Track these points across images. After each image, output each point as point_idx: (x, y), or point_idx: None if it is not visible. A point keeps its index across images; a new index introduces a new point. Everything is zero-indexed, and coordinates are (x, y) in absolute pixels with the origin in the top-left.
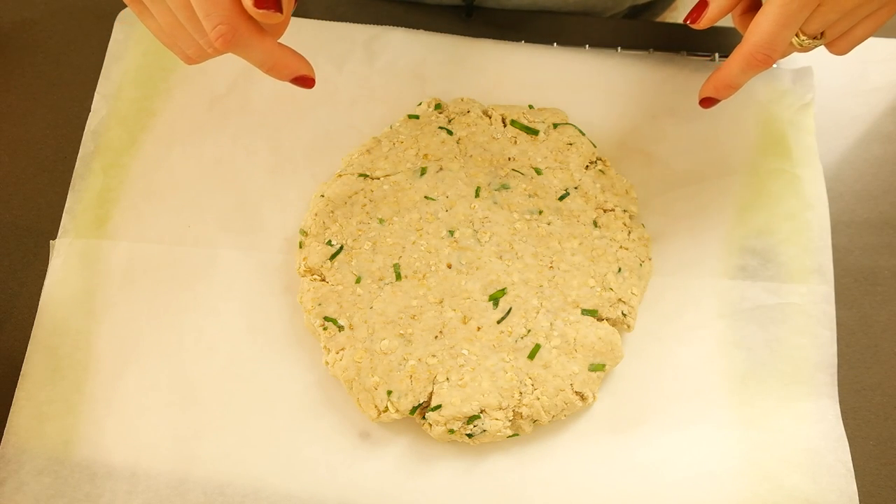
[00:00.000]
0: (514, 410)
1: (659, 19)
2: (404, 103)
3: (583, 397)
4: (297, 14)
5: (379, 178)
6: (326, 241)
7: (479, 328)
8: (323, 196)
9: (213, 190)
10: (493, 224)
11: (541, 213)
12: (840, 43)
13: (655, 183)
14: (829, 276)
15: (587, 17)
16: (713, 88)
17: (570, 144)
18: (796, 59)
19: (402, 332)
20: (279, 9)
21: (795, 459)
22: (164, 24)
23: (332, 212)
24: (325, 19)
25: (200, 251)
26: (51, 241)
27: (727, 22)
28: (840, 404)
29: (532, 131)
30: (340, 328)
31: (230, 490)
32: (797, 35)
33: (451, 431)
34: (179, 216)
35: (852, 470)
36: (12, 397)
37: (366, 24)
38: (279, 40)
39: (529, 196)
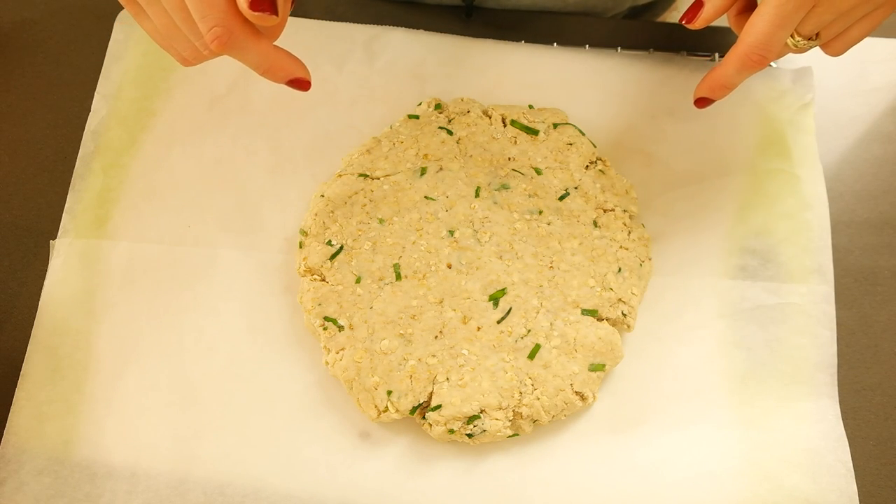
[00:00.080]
0: (514, 410)
1: (659, 20)
2: (404, 103)
3: (583, 397)
4: (296, 14)
5: (379, 178)
6: (326, 241)
7: (479, 328)
8: (323, 196)
9: (213, 190)
10: (493, 224)
11: (541, 213)
12: (835, 44)
13: (655, 183)
14: (829, 276)
15: (587, 17)
16: (708, 88)
17: (570, 144)
18: (796, 59)
19: (402, 332)
20: (274, 11)
21: (795, 459)
22: (160, 26)
23: (332, 212)
24: (325, 19)
25: (200, 251)
26: (51, 241)
27: (726, 22)
28: (840, 404)
29: (532, 131)
30: (340, 328)
31: (230, 490)
32: (792, 36)
33: (451, 431)
34: (179, 216)
35: (852, 470)
36: (12, 397)
37: (366, 24)
38: (276, 43)
39: (529, 196)
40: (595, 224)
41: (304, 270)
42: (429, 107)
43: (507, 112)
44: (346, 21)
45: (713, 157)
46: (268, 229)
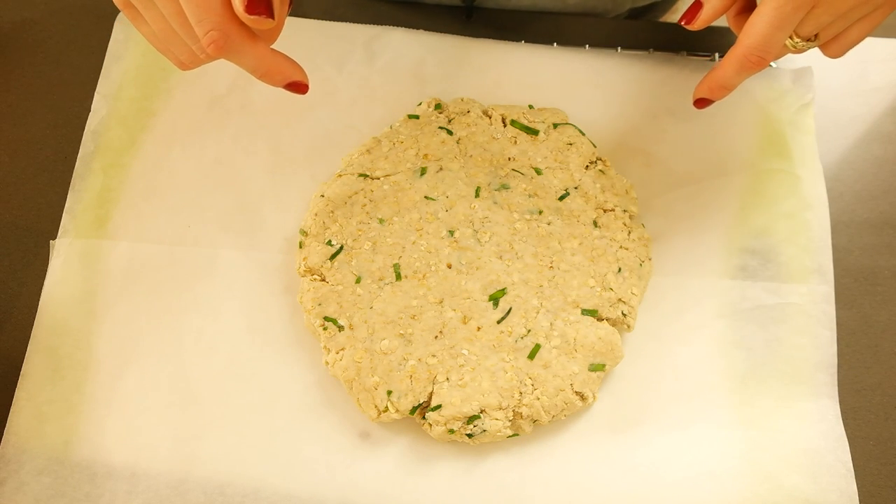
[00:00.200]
0: (514, 410)
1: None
2: (404, 103)
3: (583, 397)
4: (295, 14)
5: (379, 178)
6: (326, 241)
7: (479, 328)
8: (323, 196)
9: (213, 190)
10: (493, 224)
11: (541, 213)
12: (834, 45)
13: (655, 183)
14: (829, 276)
15: (587, 18)
16: (707, 89)
17: (570, 144)
18: (796, 59)
19: (402, 332)
20: (270, 14)
21: (795, 459)
22: (157, 30)
23: (332, 212)
24: (325, 20)
25: (200, 251)
26: (51, 241)
27: (726, 22)
28: (840, 404)
29: (532, 131)
30: (340, 328)
31: (230, 490)
32: (791, 37)
33: (451, 431)
34: (179, 216)
35: (852, 470)
36: (12, 397)
37: (365, 24)
38: (276, 44)
39: (529, 196)
40: (595, 224)
41: (304, 270)
42: (429, 107)
43: (507, 112)
44: (345, 21)
45: (713, 157)
46: (268, 229)
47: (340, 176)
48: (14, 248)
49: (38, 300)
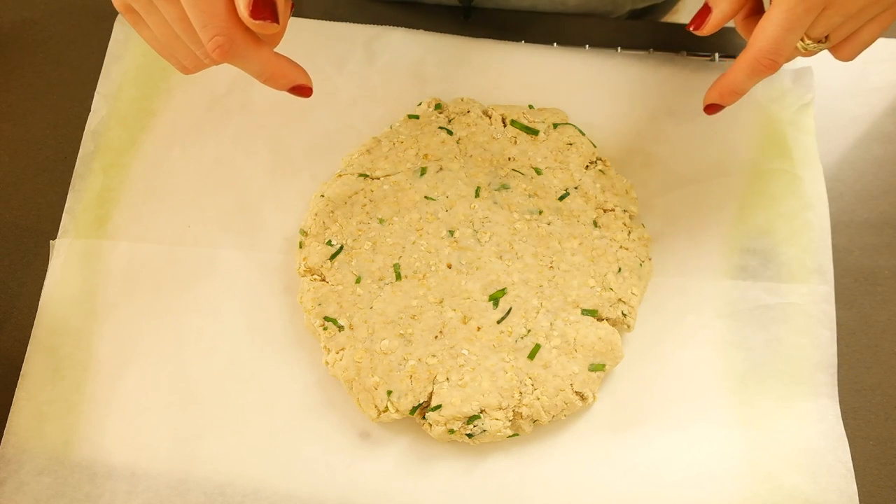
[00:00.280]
0: (514, 410)
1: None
2: (404, 103)
3: (583, 397)
4: (295, 15)
5: (379, 178)
6: (326, 241)
7: (479, 328)
8: (323, 196)
9: (213, 190)
10: (493, 224)
11: (541, 213)
12: (845, 47)
13: (655, 183)
14: (829, 276)
15: (587, 18)
16: (718, 95)
17: (570, 144)
18: (796, 60)
19: (402, 332)
20: (275, 19)
21: (795, 459)
22: (159, 35)
23: (332, 212)
24: (325, 20)
25: (200, 251)
26: (51, 241)
27: (730, 23)
28: (840, 404)
29: (532, 131)
30: (340, 328)
31: (230, 490)
32: (802, 39)
33: (451, 431)
34: (179, 216)
35: (852, 470)
36: (12, 397)
37: (365, 24)
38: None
39: (529, 196)
40: (595, 224)
41: (304, 270)
42: (429, 107)
43: (507, 112)
44: (345, 21)
45: (713, 157)
46: (268, 229)
47: (340, 176)
48: (14, 248)
49: (38, 300)
